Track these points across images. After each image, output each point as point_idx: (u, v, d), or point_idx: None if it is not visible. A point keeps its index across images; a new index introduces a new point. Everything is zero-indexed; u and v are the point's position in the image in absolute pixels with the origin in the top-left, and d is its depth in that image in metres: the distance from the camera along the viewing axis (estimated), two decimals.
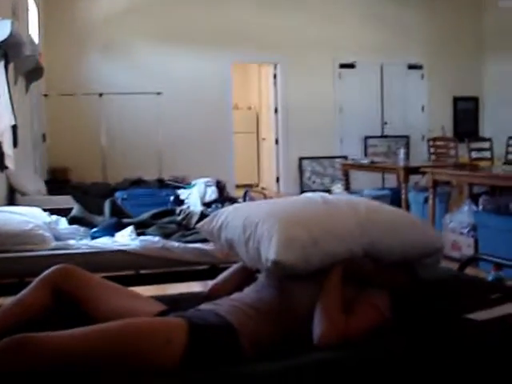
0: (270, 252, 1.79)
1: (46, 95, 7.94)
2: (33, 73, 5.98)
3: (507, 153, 9.26)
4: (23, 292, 1.91)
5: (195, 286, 3.75)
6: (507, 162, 8.28)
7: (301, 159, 9.66)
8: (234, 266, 2.21)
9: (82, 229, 3.70)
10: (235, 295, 2.00)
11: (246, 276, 2.15)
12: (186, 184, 6.41)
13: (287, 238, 1.80)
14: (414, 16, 9.99)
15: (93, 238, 3.48)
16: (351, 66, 9.75)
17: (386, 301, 1.92)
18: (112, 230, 3.52)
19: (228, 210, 2.16)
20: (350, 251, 1.90)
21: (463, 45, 10.33)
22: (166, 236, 3.41)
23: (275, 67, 9.64)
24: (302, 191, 9.45)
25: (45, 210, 3.98)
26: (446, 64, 10.18)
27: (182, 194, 5.22)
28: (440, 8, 10.13)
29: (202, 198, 4.88)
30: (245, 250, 1.95)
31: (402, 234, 2.01)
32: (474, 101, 10.66)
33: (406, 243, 2.01)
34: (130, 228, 3.49)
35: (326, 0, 8.67)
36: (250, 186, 9.86)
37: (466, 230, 5.52)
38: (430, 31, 10.10)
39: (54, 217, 3.83)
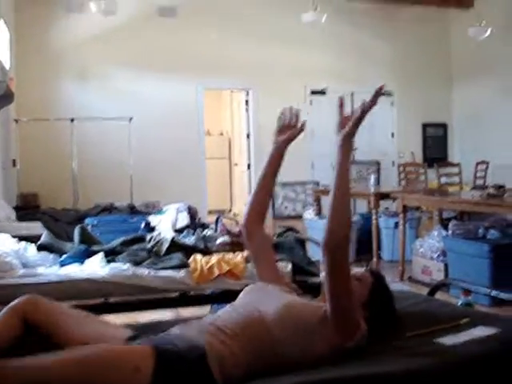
0: None
1: (16, 120, 7.87)
2: (2, 98, 5.92)
3: (476, 178, 9.42)
4: None
5: (166, 314, 3.73)
6: (476, 187, 8.41)
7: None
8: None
9: (51, 256, 3.65)
10: (208, 317, 1.99)
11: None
12: (157, 210, 6.38)
13: None
14: (384, 44, 10.17)
15: (62, 265, 3.43)
16: (322, 92, 9.87)
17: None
18: (81, 257, 3.48)
19: None
20: None
21: (432, 72, 10.53)
22: (136, 263, 3.38)
23: (247, 93, 9.71)
24: (275, 217, 9.48)
25: (14, 237, 3.92)
26: (415, 91, 10.36)
27: (153, 220, 5.20)
28: (409, 36, 10.34)
29: (174, 224, 4.87)
30: None
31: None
32: (443, 127, 10.84)
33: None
34: (100, 255, 3.46)
35: (298, 27, 8.76)
36: (222, 211, 9.84)
37: (436, 255, 5.58)
38: (399, 59, 10.29)
39: (23, 244, 3.77)
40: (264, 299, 1.99)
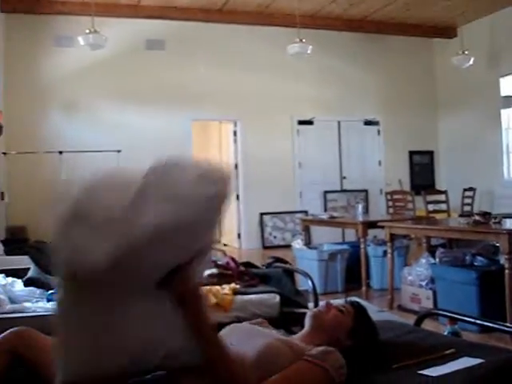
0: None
1: (5, 153, 7.88)
2: None
3: (463, 204, 9.49)
4: None
5: None
6: (463, 214, 8.46)
7: (262, 214, 9.72)
8: None
9: (38, 291, 3.63)
10: None
11: None
12: None
13: None
14: (369, 74, 10.31)
15: (49, 300, 3.42)
16: (309, 122, 9.96)
17: (337, 359, 1.90)
18: None
19: None
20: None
21: (417, 101, 10.68)
22: None
23: (235, 124, 9.78)
24: (264, 247, 9.48)
25: (1, 271, 3.91)
26: (401, 119, 10.48)
27: None
28: (394, 66, 10.50)
29: None
30: None
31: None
32: (430, 154, 10.95)
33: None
34: None
35: (284, 59, 8.88)
36: None
37: (424, 283, 5.58)
38: (384, 89, 10.42)
39: (10, 279, 3.77)
40: (243, 341, 1.97)
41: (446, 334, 2.77)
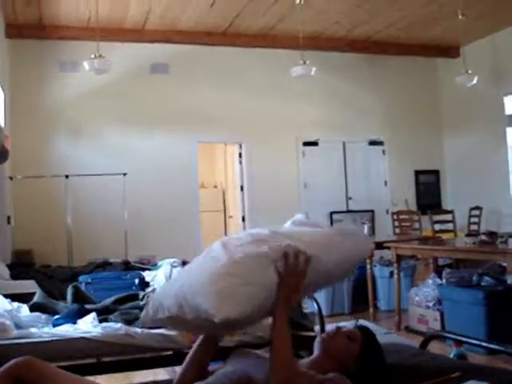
0: (213, 313, 1.72)
1: (11, 177, 7.93)
2: None
3: (470, 223, 9.46)
4: None
5: (160, 372, 3.70)
6: (470, 234, 8.43)
7: None
8: (191, 351, 2.13)
9: (44, 316, 3.63)
10: (199, 383, 1.99)
11: (205, 354, 2.12)
12: (151, 265, 6.38)
13: (220, 294, 1.75)
14: (373, 94, 10.35)
15: (54, 325, 3.42)
16: (314, 143, 9.99)
17: None
18: (74, 317, 3.47)
19: (153, 295, 2.10)
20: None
21: (422, 120, 10.70)
22: (129, 322, 3.37)
23: (240, 146, 9.81)
24: None
25: (7, 296, 3.91)
26: (406, 139, 10.49)
27: (148, 275, 5.19)
28: (398, 86, 10.54)
29: (168, 279, 4.85)
30: (188, 321, 1.89)
31: (332, 249, 2.02)
32: (435, 174, 10.93)
33: (339, 256, 2.04)
34: (93, 315, 3.45)
35: (288, 81, 8.92)
36: None
37: (431, 304, 5.56)
38: (388, 108, 10.45)
39: (16, 304, 3.77)
40: (251, 364, 2.00)
41: (451, 356, 2.76)
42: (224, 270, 1.81)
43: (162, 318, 1.99)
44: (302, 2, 7.74)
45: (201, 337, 2.12)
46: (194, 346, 2.13)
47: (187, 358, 2.13)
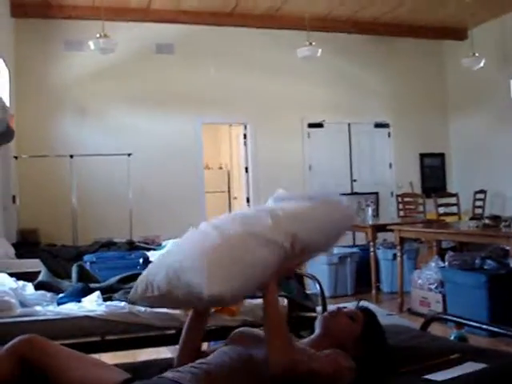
0: (203, 289, 1.75)
1: (16, 157, 7.95)
2: (3, 135, 5.99)
3: (474, 207, 9.45)
4: None
5: (163, 351, 3.74)
6: (474, 218, 8.43)
7: None
8: (182, 333, 2.14)
9: (49, 294, 3.66)
10: (199, 361, 2.01)
11: (200, 327, 2.14)
12: (156, 245, 6.41)
13: (210, 270, 1.78)
14: (380, 77, 10.29)
15: (59, 303, 3.45)
16: (319, 125, 9.96)
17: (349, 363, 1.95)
18: (79, 295, 3.50)
19: (143, 274, 2.10)
20: (277, 255, 1.89)
21: (428, 103, 10.64)
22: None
23: (245, 127, 9.79)
24: None
25: (12, 274, 3.94)
26: (412, 122, 10.45)
27: (152, 255, 5.21)
28: (404, 68, 10.47)
29: None
30: (179, 298, 1.91)
31: (318, 219, 2.07)
32: (441, 157, 10.90)
33: (327, 225, 2.09)
34: (97, 293, 3.48)
35: (294, 62, 8.88)
36: None
37: (434, 286, 5.59)
38: (395, 91, 10.40)
39: (21, 282, 3.79)
40: (253, 343, 2.02)
41: (452, 338, 2.78)
42: (214, 247, 1.86)
43: (149, 296, 1.99)
44: None
45: (189, 315, 2.14)
46: (184, 326, 2.14)
47: (180, 341, 2.14)
